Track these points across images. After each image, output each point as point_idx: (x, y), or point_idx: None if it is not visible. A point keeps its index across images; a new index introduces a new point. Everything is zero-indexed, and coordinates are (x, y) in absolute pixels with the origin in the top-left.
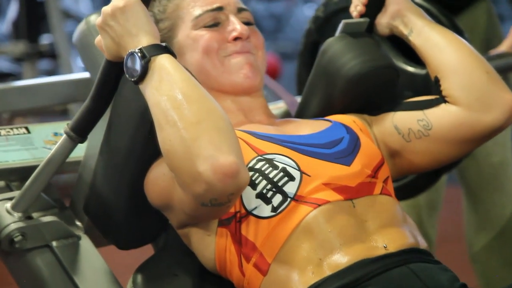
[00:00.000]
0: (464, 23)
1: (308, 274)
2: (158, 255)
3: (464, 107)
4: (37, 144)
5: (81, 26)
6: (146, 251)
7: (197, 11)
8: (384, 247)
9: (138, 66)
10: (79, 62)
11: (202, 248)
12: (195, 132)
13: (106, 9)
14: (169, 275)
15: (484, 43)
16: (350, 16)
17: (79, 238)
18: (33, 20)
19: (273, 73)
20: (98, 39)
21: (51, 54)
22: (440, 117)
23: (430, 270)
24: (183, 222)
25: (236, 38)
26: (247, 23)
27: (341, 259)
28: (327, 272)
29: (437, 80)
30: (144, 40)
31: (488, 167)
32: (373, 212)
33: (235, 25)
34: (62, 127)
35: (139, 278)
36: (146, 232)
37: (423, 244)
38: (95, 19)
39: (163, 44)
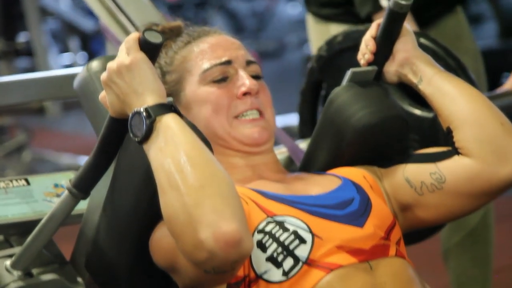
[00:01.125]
0: (449, 30)
1: None
2: None
3: (478, 159)
4: (37, 196)
5: (82, 73)
6: None
7: (206, 65)
8: None
9: (143, 125)
10: (57, 60)
11: None
12: (197, 197)
13: (111, 65)
14: None
15: (471, 51)
16: (353, 56)
17: None
18: (9, 18)
19: None
20: (103, 95)
21: (28, 52)
22: (453, 170)
23: None
24: (189, 285)
25: (245, 93)
26: (255, 77)
27: None
28: None
29: (449, 131)
30: (150, 99)
31: None
32: (391, 274)
33: (244, 80)
34: (62, 178)
35: None
36: None
37: None
38: (96, 66)
39: (170, 103)
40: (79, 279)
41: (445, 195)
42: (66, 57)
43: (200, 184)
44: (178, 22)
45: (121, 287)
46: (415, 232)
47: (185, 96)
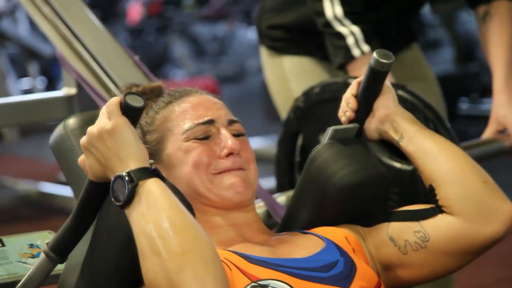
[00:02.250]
0: (407, 60)
1: None
2: None
3: (462, 218)
4: (12, 258)
5: (58, 130)
6: None
7: (188, 124)
8: None
9: (125, 190)
10: (15, 85)
11: None
12: (179, 264)
13: (92, 130)
14: None
15: (429, 77)
16: (331, 108)
17: None
18: None
19: None
20: (82, 158)
21: None
22: (437, 228)
23: None
24: None
25: (228, 155)
26: (237, 135)
27: None
28: None
29: (432, 189)
30: (133, 163)
31: None
32: None
33: (227, 140)
34: (38, 238)
35: None
36: None
37: None
38: (73, 123)
39: (152, 168)
40: None
41: (429, 253)
42: (25, 82)
43: (182, 250)
44: (159, 83)
45: None
46: None
47: (167, 156)
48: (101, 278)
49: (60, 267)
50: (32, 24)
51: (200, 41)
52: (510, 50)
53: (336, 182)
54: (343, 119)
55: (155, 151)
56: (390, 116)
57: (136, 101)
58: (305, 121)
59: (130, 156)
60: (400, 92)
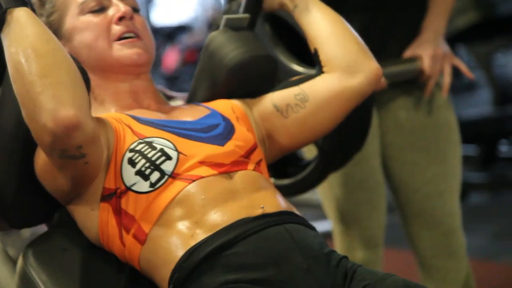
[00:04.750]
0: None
1: (187, 237)
2: (50, 232)
3: (336, 73)
4: None
5: None
6: None
7: None
8: (262, 207)
9: None
10: None
11: (87, 223)
12: (40, 86)
13: None
14: (58, 249)
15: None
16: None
17: None
18: None
19: None
20: None
21: None
22: (314, 87)
23: (303, 232)
24: (63, 190)
25: (120, 18)
26: (132, 8)
27: (218, 220)
28: (207, 233)
29: (316, 52)
30: None
31: (440, 236)
32: (249, 181)
33: (119, 6)
34: None
35: (29, 252)
36: (39, 211)
37: (297, 211)
38: None
39: None
40: None
41: (308, 113)
42: None
43: (43, 74)
44: None
45: (11, 208)
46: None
47: (67, 30)
48: (6, 137)
49: None
50: None
51: None
52: None
53: (228, 62)
54: None
55: (57, 28)
56: None
57: None
58: None
59: None
60: None
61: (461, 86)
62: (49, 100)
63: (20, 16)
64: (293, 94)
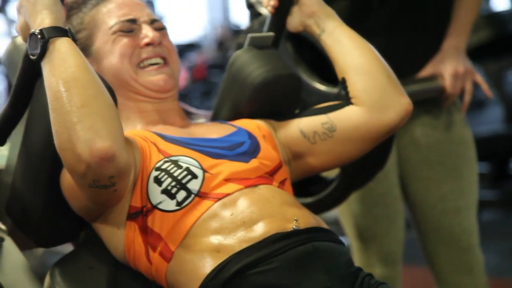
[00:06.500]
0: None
1: (214, 255)
2: (76, 251)
3: (366, 107)
4: None
5: (9, 46)
6: None
7: (113, 21)
8: (295, 220)
9: (38, 46)
10: None
11: (113, 241)
12: (78, 116)
13: None
14: (85, 268)
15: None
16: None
17: (2, 240)
18: None
19: None
20: (17, 24)
21: None
22: (343, 119)
23: (332, 250)
24: (89, 210)
25: (148, 44)
26: (159, 29)
27: (247, 236)
28: (235, 250)
29: (343, 81)
30: (47, 21)
31: (457, 253)
32: (277, 192)
33: (148, 32)
34: None
35: (56, 271)
36: (65, 230)
37: (325, 225)
38: (20, 40)
39: (65, 27)
40: (2, 226)
41: (335, 142)
42: None
43: (82, 104)
44: None
45: (38, 227)
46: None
47: (95, 49)
48: (35, 153)
49: (2, 163)
50: None
51: None
52: None
53: (252, 81)
54: (268, 9)
55: (85, 46)
56: (315, 13)
57: None
58: None
59: (46, 11)
60: None
61: (472, 103)
62: (86, 131)
63: (62, 46)
64: (320, 122)
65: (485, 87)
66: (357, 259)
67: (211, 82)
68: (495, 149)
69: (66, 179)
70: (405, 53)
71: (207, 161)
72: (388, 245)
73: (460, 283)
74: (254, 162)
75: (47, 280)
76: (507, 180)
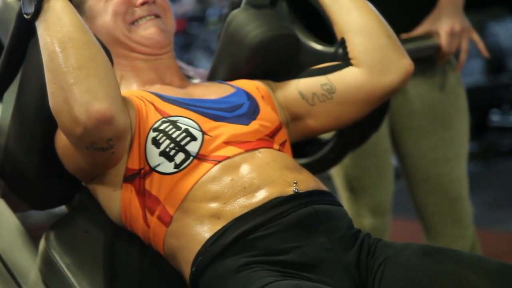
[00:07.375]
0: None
1: (214, 220)
2: (71, 214)
3: (366, 68)
4: None
5: None
6: None
7: None
8: (295, 183)
9: (32, 5)
10: None
11: (108, 203)
12: (75, 77)
13: None
14: (80, 231)
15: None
16: None
17: None
18: None
19: None
20: None
21: None
22: (343, 80)
23: (332, 213)
24: (84, 171)
25: (143, 3)
26: None
27: (248, 201)
28: (235, 215)
29: (343, 42)
30: None
31: (446, 203)
32: (278, 156)
33: None
34: None
35: (51, 235)
36: (59, 193)
37: (325, 188)
38: None
39: None
40: None
41: (334, 104)
42: None
43: (79, 65)
44: None
45: (32, 189)
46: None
47: (89, 7)
48: (29, 114)
49: None
50: None
51: None
52: None
53: (250, 41)
54: None
55: (78, 4)
56: None
57: None
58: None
59: None
60: None
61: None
62: (84, 93)
63: (57, 5)
64: (320, 83)
65: (481, 45)
66: (347, 210)
67: (190, 34)
68: (475, 101)
69: (61, 140)
70: (402, 6)
71: (207, 123)
72: (377, 196)
73: (448, 233)
74: (254, 125)
75: (42, 243)
76: (488, 132)
